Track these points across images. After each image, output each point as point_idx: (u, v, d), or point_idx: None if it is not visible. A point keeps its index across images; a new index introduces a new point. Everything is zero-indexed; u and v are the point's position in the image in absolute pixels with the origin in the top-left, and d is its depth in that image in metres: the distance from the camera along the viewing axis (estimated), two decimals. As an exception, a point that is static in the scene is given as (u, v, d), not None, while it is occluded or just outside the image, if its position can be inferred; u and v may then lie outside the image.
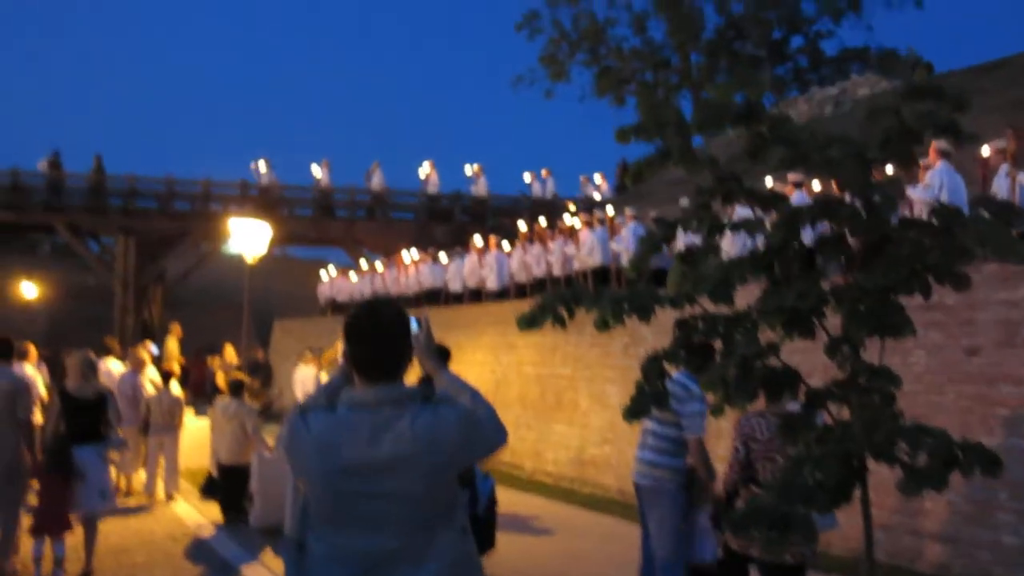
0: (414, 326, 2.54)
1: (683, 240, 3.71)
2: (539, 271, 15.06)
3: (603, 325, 3.02)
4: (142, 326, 23.82)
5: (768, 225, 3.11)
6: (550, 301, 2.90)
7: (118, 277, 23.49)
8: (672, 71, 30.33)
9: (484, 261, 16.27)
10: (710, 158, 3.04)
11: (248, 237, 10.82)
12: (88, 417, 6.19)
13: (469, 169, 25.64)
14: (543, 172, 25.83)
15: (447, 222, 25.03)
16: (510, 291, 15.74)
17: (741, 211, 8.00)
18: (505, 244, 16.38)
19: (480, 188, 25.62)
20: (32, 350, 10.06)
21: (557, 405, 12.11)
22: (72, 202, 23.86)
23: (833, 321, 2.97)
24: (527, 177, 25.82)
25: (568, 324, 2.96)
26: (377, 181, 25.15)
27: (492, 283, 15.95)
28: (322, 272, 23.97)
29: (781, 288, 2.95)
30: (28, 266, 43.77)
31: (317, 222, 24.93)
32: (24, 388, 6.30)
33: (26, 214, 23.49)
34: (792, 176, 9.50)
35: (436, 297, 17.82)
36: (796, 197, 8.96)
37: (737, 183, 3.04)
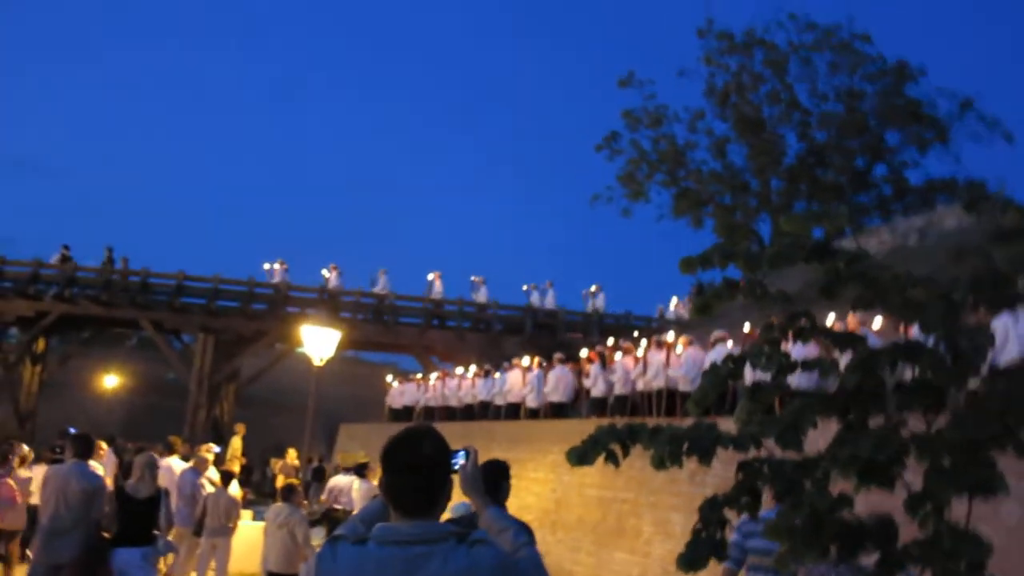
0: (460, 458, 2.40)
1: (750, 375, 3.51)
2: (598, 391, 14.91)
3: (660, 464, 2.83)
4: (213, 423, 24.16)
5: (841, 365, 2.92)
6: (603, 437, 2.74)
7: (194, 374, 24.02)
8: (751, 195, 30.28)
9: (548, 377, 16.11)
10: (782, 294, 2.88)
11: (318, 342, 10.94)
12: (141, 516, 6.16)
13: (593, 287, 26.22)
14: (593, 288, 26.19)
15: (518, 334, 25.03)
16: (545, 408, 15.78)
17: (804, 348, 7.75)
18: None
19: (550, 302, 25.89)
20: (101, 446, 10.20)
21: (618, 531, 11.62)
22: (158, 300, 24.77)
23: (914, 472, 2.73)
24: (589, 290, 26.36)
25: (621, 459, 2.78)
26: (482, 295, 25.70)
27: (554, 398, 15.81)
28: (388, 377, 24.20)
29: (856, 434, 2.73)
30: (113, 358, 45.43)
31: (390, 328, 25.24)
32: (101, 489, 6.33)
33: (115, 309, 24.42)
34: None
35: (486, 410, 17.95)
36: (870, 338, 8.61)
37: (810, 320, 2.87)
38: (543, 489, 13.42)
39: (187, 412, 23.89)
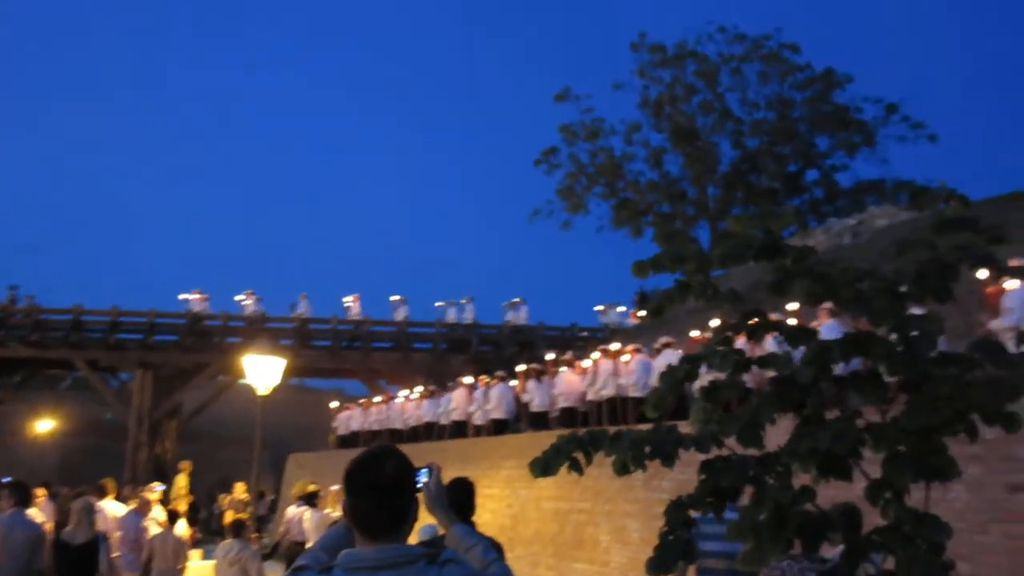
0: (423, 476, 2.35)
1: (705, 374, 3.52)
2: (536, 406, 15.12)
3: (623, 470, 2.81)
4: (155, 461, 23.45)
5: (793, 359, 2.94)
6: (565, 445, 2.71)
7: (133, 412, 23.33)
8: (689, 203, 30.83)
9: (489, 395, 16.12)
10: (733, 293, 2.90)
11: (261, 371, 10.72)
12: (79, 564, 5.91)
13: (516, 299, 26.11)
14: (516, 300, 26.23)
15: (464, 352, 24.92)
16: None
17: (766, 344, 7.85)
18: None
19: (467, 316, 25.79)
20: (38, 493, 9.80)
21: (577, 542, 11.59)
22: (92, 337, 24.02)
23: (870, 461, 2.76)
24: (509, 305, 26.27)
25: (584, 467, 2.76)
26: (402, 314, 25.42)
27: (496, 415, 15.83)
28: (332, 404, 23.86)
29: (814, 428, 2.75)
30: (47, 401, 43.88)
31: (334, 353, 24.89)
32: (42, 537, 6.06)
33: (47, 350, 23.60)
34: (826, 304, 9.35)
35: (430, 431, 17.96)
36: (829, 326, 8.77)
37: (763, 317, 2.89)
38: (499, 505, 13.33)
39: (127, 452, 23.16)
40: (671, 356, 11.82)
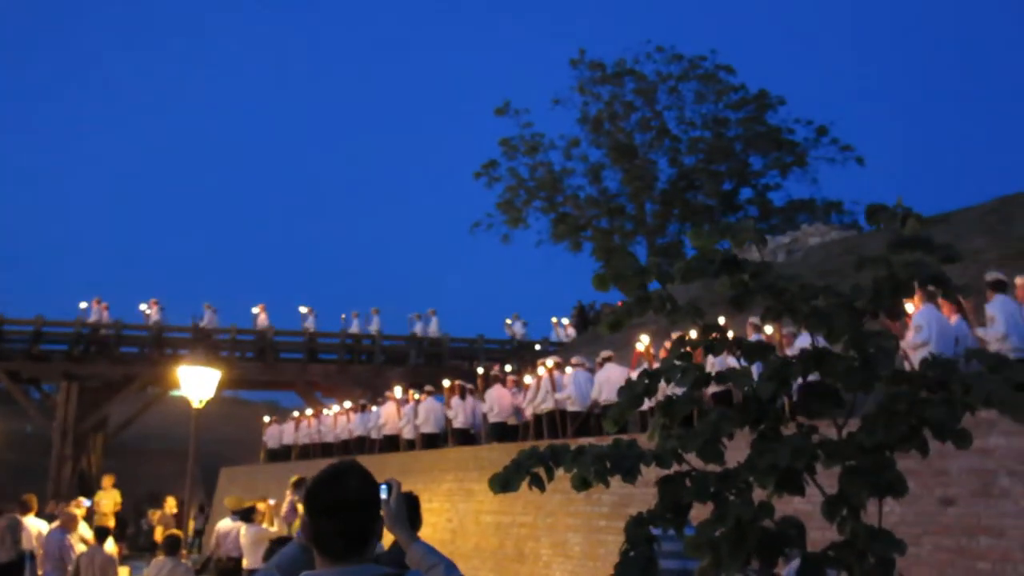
0: (383, 492, 2.29)
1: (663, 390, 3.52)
2: (459, 422, 15.33)
3: (583, 485, 2.78)
4: (79, 476, 22.62)
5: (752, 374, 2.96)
6: (526, 460, 2.67)
7: (57, 425, 22.47)
8: (627, 218, 31.17)
9: (419, 410, 16.13)
10: (693, 307, 2.91)
11: (196, 383, 10.42)
12: (6, 584, 5.63)
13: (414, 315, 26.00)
14: (417, 314, 26.21)
15: (402, 365, 24.71)
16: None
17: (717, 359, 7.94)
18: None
19: (433, 330, 25.71)
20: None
21: (518, 556, 11.54)
22: (14, 347, 23.09)
23: (822, 476, 2.79)
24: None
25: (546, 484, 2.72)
26: (310, 325, 25.13)
27: (426, 429, 15.87)
28: (265, 418, 23.49)
29: (772, 444, 2.76)
30: (-36, 412, 42.04)
31: (271, 365, 24.42)
32: None
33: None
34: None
35: (362, 445, 17.96)
36: (799, 341, 8.87)
37: (722, 333, 2.90)
38: (438, 519, 13.20)
39: (51, 466, 22.29)
40: (613, 370, 11.89)
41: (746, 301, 2.87)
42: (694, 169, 30.92)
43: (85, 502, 11.44)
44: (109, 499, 16.08)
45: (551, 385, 13.22)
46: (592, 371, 13.26)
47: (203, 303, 25.22)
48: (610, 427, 2.99)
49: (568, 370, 13.15)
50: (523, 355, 24.34)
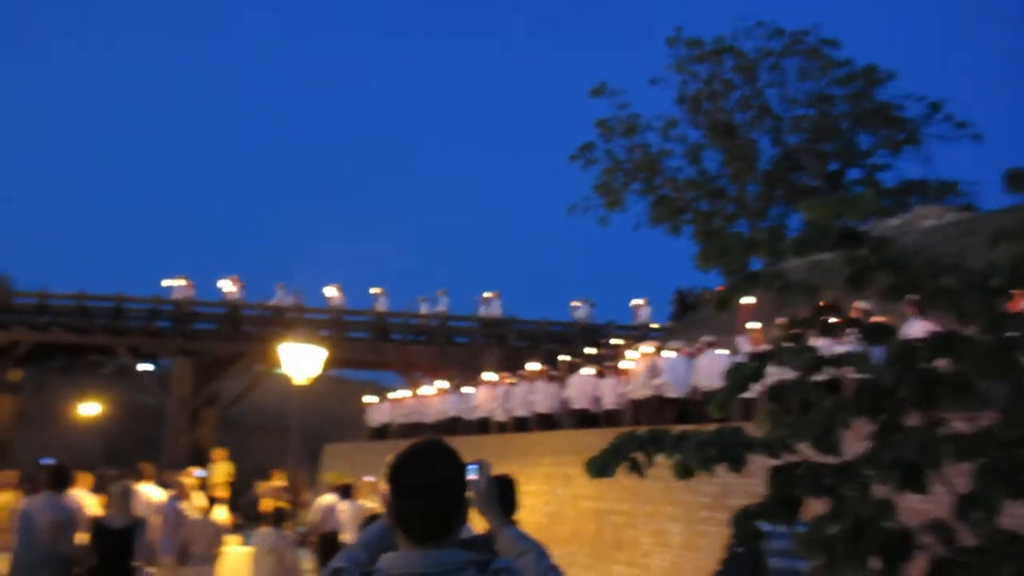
0: (472, 473, 2.19)
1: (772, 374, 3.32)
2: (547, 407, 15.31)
3: (684, 473, 2.63)
4: (193, 448, 23.66)
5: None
6: (624, 444, 2.53)
7: (173, 398, 23.57)
8: (728, 200, 30.32)
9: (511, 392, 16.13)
10: (807, 285, 2.70)
11: (301, 361, 10.65)
12: (117, 548, 5.86)
13: (577, 302, 25.78)
14: (487, 294, 25.79)
15: (500, 347, 24.81)
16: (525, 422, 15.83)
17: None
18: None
19: (580, 315, 25.58)
20: (83, 477, 9.83)
21: (615, 543, 11.40)
22: (134, 324, 24.33)
23: (951, 474, 2.54)
24: (575, 303, 26.05)
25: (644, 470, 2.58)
26: (443, 307, 25.42)
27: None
28: (365, 398, 24.08)
29: (893, 436, 2.54)
30: (90, 386, 44.64)
31: (372, 346, 24.93)
32: (71, 521, 6.01)
33: (89, 336, 23.92)
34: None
35: (455, 426, 18.13)
36: (915, 325, 8.39)
37: (839, 312, 2.69)
38: (535, 503, 13.17)
39: (167, 438, 23.41)
40: (714, 355, 11.56)
41: (865, 279, 2.64)
42: (798, 149, 29.78)
43: (198, 472, 11.88)
44: (221, 471, 16.73)
45: (649, 371, 12.98)
46: (691, 357, 12.98)
47: (277, 283, 25.82)
48: (715, 412, 2.83)
49: (665, 355, 12.87)
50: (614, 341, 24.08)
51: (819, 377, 2.84)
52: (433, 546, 1.89)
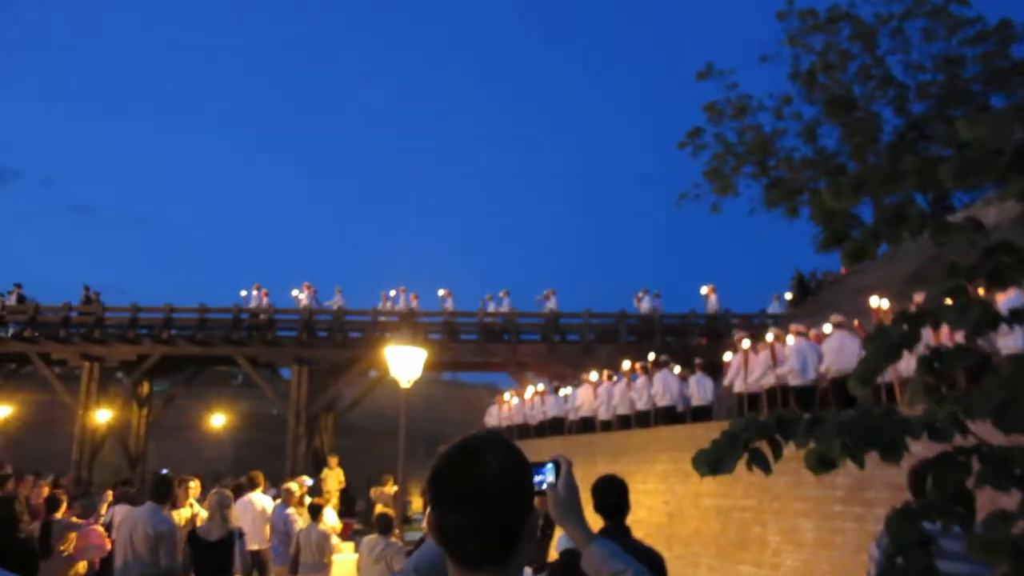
0: (547, 475, 1.72)
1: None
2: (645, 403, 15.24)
3: (821, 466, 2.08)
4: (313, 454, 24.08)
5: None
6: (742, 432, 2.01)
7: (291, 406, 24.04)
8: (848, 178, 28.62)
9: (654, 381, 15.54)
10: (971, 223, 2.11)
11: (404, 363, 10.44)
12: (214, 560, 5.67)
13: (705, 288, 25.38)
14: (707, 289, 25.08)
15: (612, 342, 24.18)
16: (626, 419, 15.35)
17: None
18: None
19: (645, 307, 25.00)
20: (194, 486, 9.90)
21: (741, 542, 10.68)
22: (252, 334, 25.03)
23: None
24: (704, 290, 25.14)
25: (773, 465, 2.05)
26: (552, 305, 25.05)
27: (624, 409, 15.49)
28: (492, 399, 24.13)
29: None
30: (219, 397, 46.57)
31: (482, 346, 24.75)
32: (168, 533, 5.87)
33: (211, 347, 24.71)
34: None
35: (560, 426, 18.35)
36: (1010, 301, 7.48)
37: (1016, 256, 2.09)
38: (654, 502, 12.56)
39: (287, 445, 23.89)
40: (844, 337, 10.68)
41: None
42: (925, 117, 27.76)
43: (307, 480, 11.83)
44: (334, 477, 16.81)
45: (771, 359, 12.19)
46: (818, 340, 12.14)
47: (335, 288, 26.24)
48: (857, 388, 2.26)
49: (790, 340, 12.02)
50: (730, 329, 23.09)
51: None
52: (491, 572, 1.43)
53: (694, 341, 23.75)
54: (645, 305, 25.13)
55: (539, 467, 1.71)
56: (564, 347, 24.52)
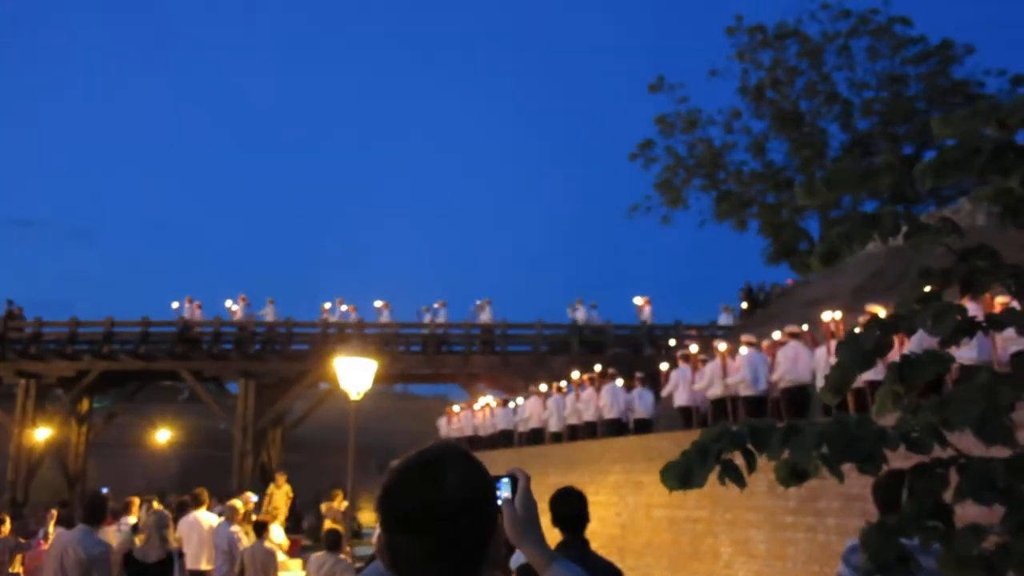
0: (504, 489, 1.58)
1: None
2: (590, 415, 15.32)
3: (792, 478, 1.97)
4: (261, 469, 23.55)
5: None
6: (714, 443, 1.89)
7: (238, 420, 23.49)
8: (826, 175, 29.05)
9: (601, 394, 15.58)
10: (944, 223, 2.04)
11: (353, 374, 10.22)
12: (151, 584, 5.39)
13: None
14: (642, 300, 25.12)
15: (565, 353, 24.13)
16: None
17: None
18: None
19: (580, 317, 24.98)
20: (135, 503, 9.52)
21: (694, 554, 10.64)
22: (197, 349, 24.43)
23: None
24: (638, 300, 25.16)
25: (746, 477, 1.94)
26: (486, 316, 24.89)
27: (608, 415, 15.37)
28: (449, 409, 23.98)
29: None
30: (163, 413, 45.40)
31: (432, 357, 24.50)
32: (101, 556, 5.54)
33: (154, 361, 24.05)
34: None
35: (510, 439, 18.50)
36: None
37: (993, 260, 2.02)
38: (607, 513, 12.48)
39: (233, 460, 23.33)
40: (799, 348, 10.73)
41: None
42: (869, 134, 28.43)
43: (252, 497, 11.50)
44: (281, 494, 16.41)
45: (722, 369, 12.24)
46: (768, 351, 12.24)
47: (323, 302, 25.93)
48: (829, 398, 2.16)
49: (742, 351, 12.07)
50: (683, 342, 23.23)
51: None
52: None
53: (646, 352, 23.82)
54: (580, 315, 25.10)
55: (496, 481, 1.57)
56: (516, 358, 24.40)
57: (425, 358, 24.42)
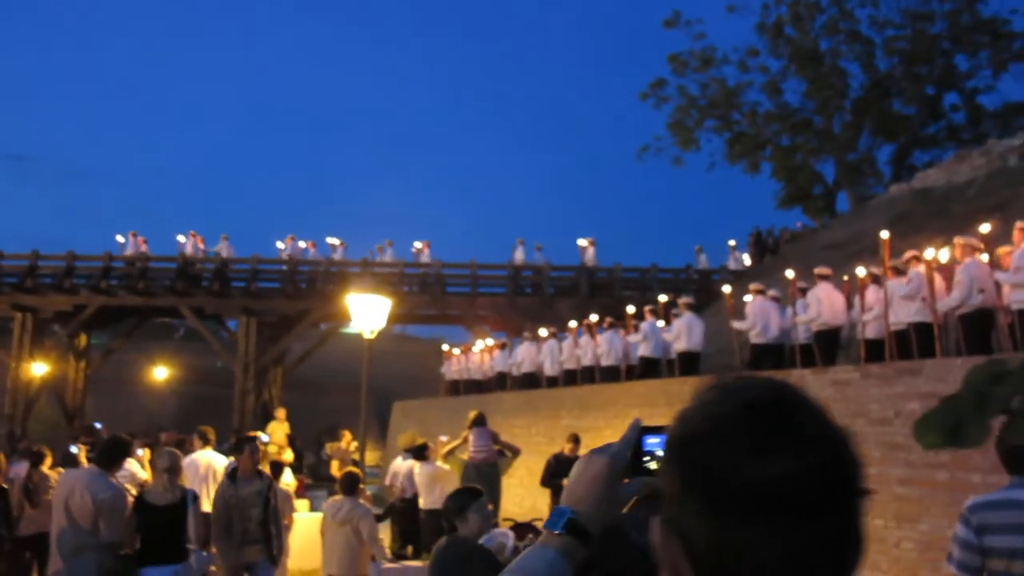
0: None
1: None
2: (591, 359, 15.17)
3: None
4: (262, 408, 23.19)
5: None
6: (987, 385, 1.34)
7: (239, 359, 23.04)
8: (812, 134, 28.23)
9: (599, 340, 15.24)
10: None
11: (366, 312, 9.68)
12: (166, 527, 4.92)
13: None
14: (585, 242, 24.45)
15: (572, 296, 23.64)
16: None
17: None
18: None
19: (590, 260, 24.41)
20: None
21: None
22: (198, 285, 23.89)
23: None
24: (582, 242, 24.60)
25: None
26: (520, 256, 24.44)
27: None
28: (444, 346, 23.60)
29: None
30: (162, 350, 45.06)
31: (438, 298, 23.98)
32: (111, 501, 5.06)
33: (154, 298, 23.52)
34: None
35: (504, 382, 18.33)
36: None
37: None
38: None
39: (234, 399, 22.97)
40: (829, 290, 10.19)
41: None
42: (891, 75, 27.51)
43: (263, 437, 11.04)
44: (280, 431, 15.98)
45: (731, 314, 11.88)
46: (779, 300, 11.80)
47: (329, 239, 25.30)
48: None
49: (748, 298, 11.67)
50: (705, 285, 22.73)
51: None
52: None
53: (655, 294, 23.30)
54: (519, 255, 24.55)
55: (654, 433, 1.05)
56: (524, 300, 23.90)
57: (431, 298, 23.89)
